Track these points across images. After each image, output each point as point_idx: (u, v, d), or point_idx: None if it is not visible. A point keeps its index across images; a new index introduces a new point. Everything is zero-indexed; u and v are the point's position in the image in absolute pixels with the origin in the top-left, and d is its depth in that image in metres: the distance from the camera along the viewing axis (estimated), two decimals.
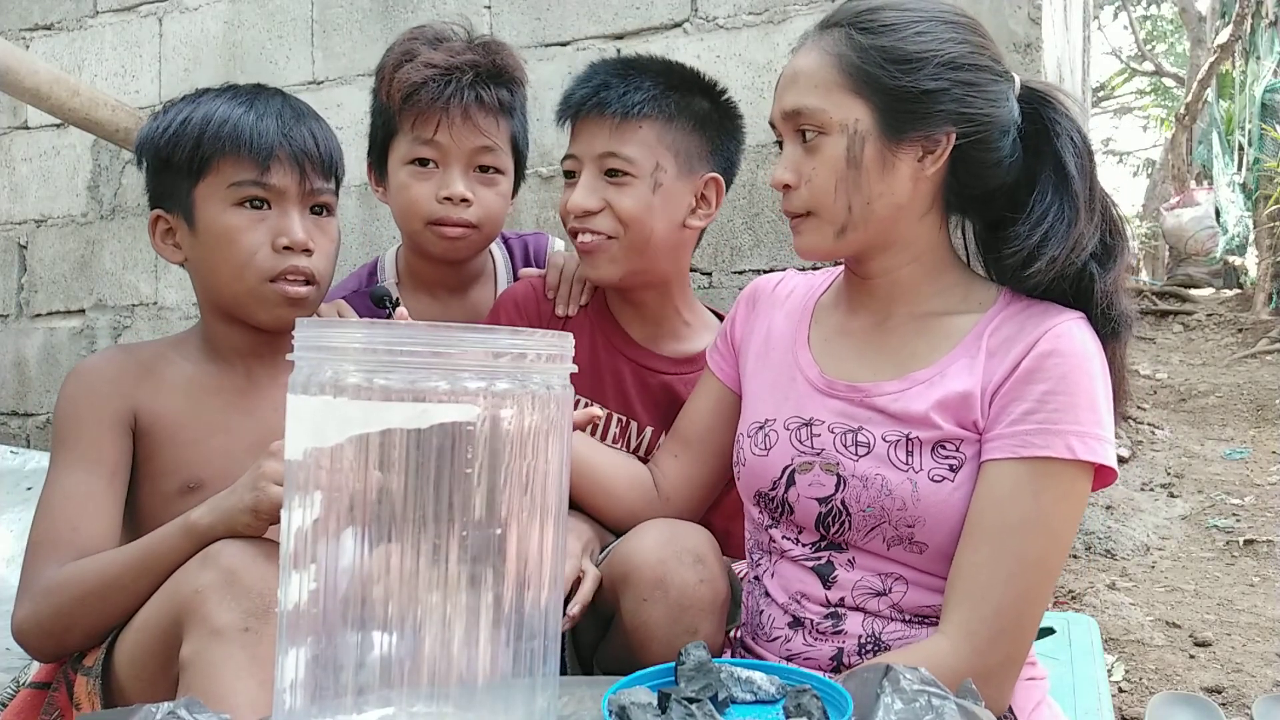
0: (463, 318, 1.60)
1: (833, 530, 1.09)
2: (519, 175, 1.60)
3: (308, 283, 1.23)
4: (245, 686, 0.92)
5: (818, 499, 1.09)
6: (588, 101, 1.33)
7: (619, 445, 1.42)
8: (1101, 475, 1.02)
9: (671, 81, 1.34)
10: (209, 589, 0.96)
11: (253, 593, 0.95)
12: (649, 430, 1.41)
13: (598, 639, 1.25)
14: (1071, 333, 1.02)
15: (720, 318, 1.47)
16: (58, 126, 3.31)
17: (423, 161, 1.49)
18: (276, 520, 1.02)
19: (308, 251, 1.23)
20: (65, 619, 1.09)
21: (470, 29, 1.57)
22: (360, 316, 1.45)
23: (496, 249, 1.71)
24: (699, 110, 1.36)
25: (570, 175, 1.37)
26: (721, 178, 1.38)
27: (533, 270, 1.57)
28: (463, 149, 1.47)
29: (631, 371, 1.41)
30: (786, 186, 1.10)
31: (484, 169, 1.51)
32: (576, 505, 1.25)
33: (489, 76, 1.48)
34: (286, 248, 1.21)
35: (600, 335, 1.44)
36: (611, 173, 1.32)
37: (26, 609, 1.11)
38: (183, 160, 1.20)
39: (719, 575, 1.13)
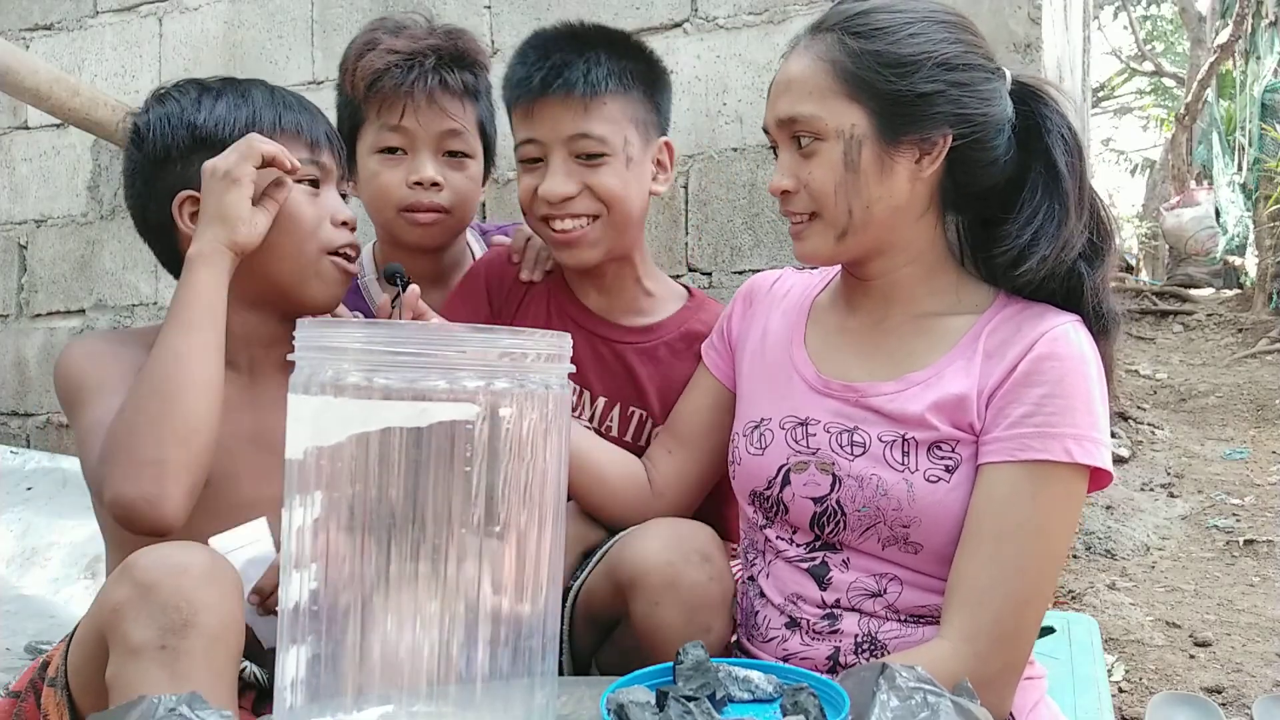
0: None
1: (827, 530, 1.09)
2: (489, 160, 1.60)
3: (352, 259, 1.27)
4: None
5: (813, 499, 1.09)
6: (552, 83, 1.27)
7: (574, 414, 1.40)
8: (1097, 478, 1.02)
9: (620, 51, 1.32)
10: (125, 605, 0.90)
11: (169, 607, 0.88)
12: (601, 400, 1.39)
13: (595, 645, 1.24)
14: (1068, 335, 1.02)
15: (690, 292, 1.47)
16: (58, 126, 3.31)
17: (391, 149, 1.49)
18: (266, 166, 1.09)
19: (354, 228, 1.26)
20: (153, 431, 1.03)
21: (431, 17, 1.57)
22: (351, 311, 1.43)
23: (475, 241, 1.70)
24: (643, 75, 1.34)
25: (532, 161, 1.32)
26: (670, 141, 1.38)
27: (504, 238, 1.56)
28: (430, 133, 1.48)
29: (584, 339, 1.37)
30: (785, 192, 1.10)
31: (453, 154, 1.51)
32: (569, 497, 1.25)
33: (452, 60, 1.49)
34: (343, 223, 1.23)
35: (554, 304, 1.42)
36: (584, 155, 1.28)
37: (109, 460, 1.03)
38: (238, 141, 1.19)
39: (726, 572, 1.14)
